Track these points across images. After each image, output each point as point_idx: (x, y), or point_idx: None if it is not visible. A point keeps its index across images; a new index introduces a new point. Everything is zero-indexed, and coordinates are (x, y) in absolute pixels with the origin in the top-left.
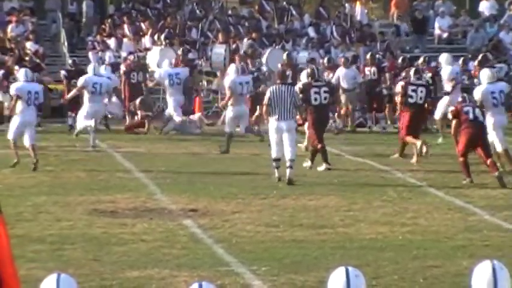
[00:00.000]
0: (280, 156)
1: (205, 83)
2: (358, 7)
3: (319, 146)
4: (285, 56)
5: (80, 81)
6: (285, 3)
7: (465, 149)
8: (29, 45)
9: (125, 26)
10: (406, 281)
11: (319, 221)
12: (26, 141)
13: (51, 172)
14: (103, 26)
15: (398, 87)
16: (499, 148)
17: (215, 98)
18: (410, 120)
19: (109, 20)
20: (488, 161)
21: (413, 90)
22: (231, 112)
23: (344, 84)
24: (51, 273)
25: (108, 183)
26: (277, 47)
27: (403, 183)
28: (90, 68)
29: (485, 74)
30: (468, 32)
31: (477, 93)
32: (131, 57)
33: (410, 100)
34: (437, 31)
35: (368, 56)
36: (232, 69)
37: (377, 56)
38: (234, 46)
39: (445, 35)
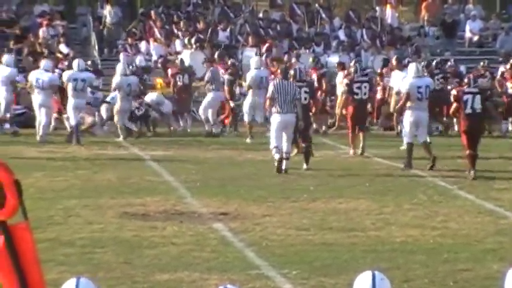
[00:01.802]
0: (279, 144)
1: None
2: (388, 10)
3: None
4: (294, 58)
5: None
6: (317, 5)
7: (467, 141)
8: (61, 47)
9: (155, 30)
10: (436, 284)
11: (349, 224)
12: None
13: (82, 175)
14: (133, 30)
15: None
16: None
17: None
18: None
19: (139, 24)
20: (467, 152)
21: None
22: (248, 102)
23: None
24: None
25: (138, 186)
26: (307, 51)
27: (433, 186)
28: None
29: (411, 68)
30: (498, 35)
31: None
32: (177, 60)
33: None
34: (468, 34)
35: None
36: (253, 61)
37: (407, 59)
38: (264, 48)
39: (475, 38)
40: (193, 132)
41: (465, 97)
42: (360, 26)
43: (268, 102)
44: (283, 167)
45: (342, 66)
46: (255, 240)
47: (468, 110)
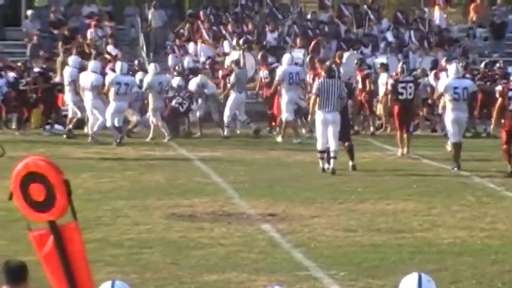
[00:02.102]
0: (325, 148)
1: None
2: (436, 11)
3: None
4: (338, 54)
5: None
6: (365, 6)
7: (507, 137)
8: (109, 48)
9: (203, 31)
10: (484, 285)
11: (397, 225)
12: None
13: (130, 176)
14: (181, 31)
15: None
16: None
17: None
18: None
19: (187, 25)
20: (504, 147)
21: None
22: (285, 100)
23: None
24: (129, 277)
25: (186, 187)
26: (355, 52)
27: (481, 188)
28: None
29: (451, 68)
30: None
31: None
32: (226, 61)
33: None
34: None
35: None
36: (285, 58)
37: (455, 61)
38: (310, 46)
39: None
40: (241, 134)
41: (510, 93)
42: (408, 28)
43: (313, 99)
44: (331, 166)
45: (385, 67)
46: (303, 241)
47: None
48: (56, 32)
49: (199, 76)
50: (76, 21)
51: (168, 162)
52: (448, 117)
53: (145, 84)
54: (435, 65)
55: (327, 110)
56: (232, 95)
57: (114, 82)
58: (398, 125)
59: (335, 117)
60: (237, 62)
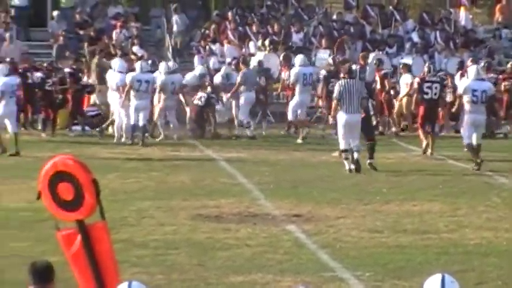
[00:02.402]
0: (348, 147)
1: None
2: (462, 12)
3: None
4: (361, 55)
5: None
6: (390, 7)
7: None
8: (135, 49)
9: (229, 31)
10: (510, 286)
11: (423, 226)
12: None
13: (156, 177)
14: (207, 31)
15: None
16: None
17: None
18: None
19: (213, 26)
20: None
21: None
22: (295, 100)
23: None
24: (155, 278)
25: (212, 188)
26: (380, 53)
27: (507, 188)
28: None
29: (471, 70)
30: None
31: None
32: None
33: None
34: None
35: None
36: (298, 59)
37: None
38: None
39: None
40: (268, 135)
41: None
42: (434, 28)
43: (335, 103)
44: (355, 157)
45: (407, 67)
46: (328, 242)
47: None
48: (81, 32)
49: (223, 68)
50: (102, 22)
51: (193, 163)
52: (465, 119)
53: (158, 82)
54: (461, 66)
55: (349, 111)
56: (243, 95)
57: (134, 80)
58: (422, 124)
59: (357, 118)
60: (245, 62)
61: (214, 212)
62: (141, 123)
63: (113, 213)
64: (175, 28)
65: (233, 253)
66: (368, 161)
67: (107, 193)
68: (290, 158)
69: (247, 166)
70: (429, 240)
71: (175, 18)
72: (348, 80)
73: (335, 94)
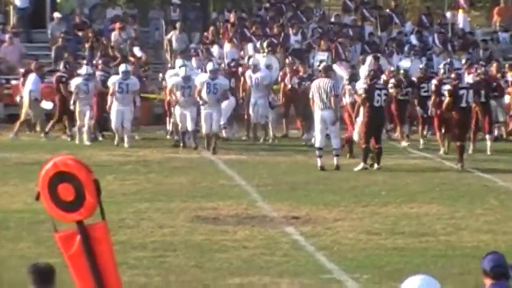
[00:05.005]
0: (323, 145)
1: None
2: (460, 15)
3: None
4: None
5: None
6: (388, 10)
7: None
8: (135, 50)
9: (228, 33)
10: None
11: (420, 229)
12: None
13: (154, 179)
14: (206, 34)
15: None
16: None
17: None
18: None
19: (211, 28)
20: None
21: None
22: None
23: None
24: (153, 280)
25: (210, 190)
26: (378, 55)
27: (505, 191)
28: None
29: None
30: None
31: None
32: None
33: None
34: None
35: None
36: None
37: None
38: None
39: None
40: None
41: None
42: (432, 31)
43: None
44: (336, 163)
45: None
46: (326, 244)
47: None
48: (80, 34)
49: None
50: (101, 23)
51: (192, 164)
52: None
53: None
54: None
55: (322, 108)
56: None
57: (179, 85)
58: (438, 126)
59: (330, 114)
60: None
61: (212, 213)
62: (125, 125)
63: (111, 215)
64: (174, 46)
65: (231, 255)
66: (376, 166)
67: (105, 195)
68: (288, 160)
69: (246, 168)
70: (427, 242)
71: (175, 36)
72: (321, 78)
73: (310, 94)
